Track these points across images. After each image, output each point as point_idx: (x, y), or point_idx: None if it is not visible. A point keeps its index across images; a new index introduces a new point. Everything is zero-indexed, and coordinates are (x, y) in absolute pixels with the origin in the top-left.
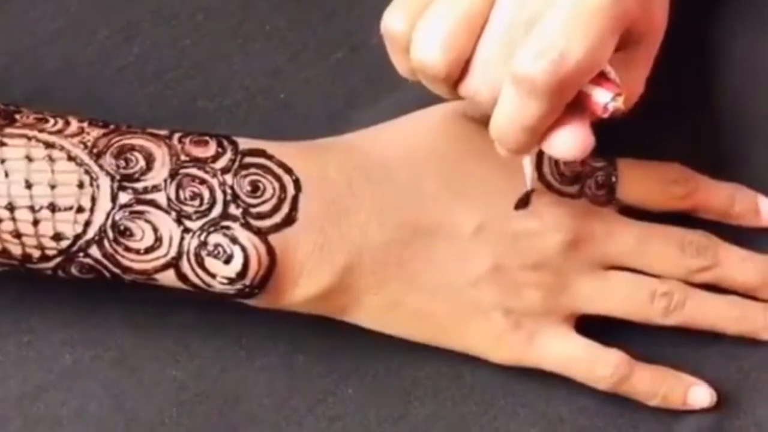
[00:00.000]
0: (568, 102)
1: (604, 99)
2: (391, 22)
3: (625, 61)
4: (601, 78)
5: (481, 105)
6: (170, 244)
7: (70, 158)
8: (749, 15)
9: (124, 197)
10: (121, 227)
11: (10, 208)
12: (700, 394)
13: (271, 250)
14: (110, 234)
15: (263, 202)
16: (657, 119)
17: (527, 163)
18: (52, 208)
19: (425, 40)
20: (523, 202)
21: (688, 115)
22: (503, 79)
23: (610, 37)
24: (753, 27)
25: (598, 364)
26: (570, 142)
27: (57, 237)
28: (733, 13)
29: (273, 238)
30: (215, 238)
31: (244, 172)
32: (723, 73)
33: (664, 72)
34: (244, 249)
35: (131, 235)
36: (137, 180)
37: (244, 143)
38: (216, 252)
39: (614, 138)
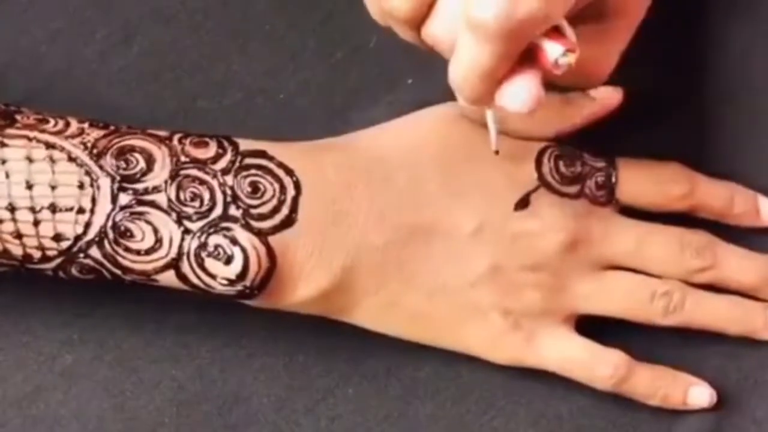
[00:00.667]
0: (520, 51)
1: (555, 53)
2: None
3: (597, 34)
4: (555, 32)
5: (443, 52)
6: (170, 245)
7: (71, 159)
8: (746, 13)
9: (124, 198)
10: (122, 228)
11: (11, 208)
12: (700, 394)
13: (271, 252)
14: (111, 235)
15: (263, 204)
16: (657, 119)
17: (489, 118)
18: (53, 208)
19: None
20: (523, 203)
21: (688, 115)
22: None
23: None
24: (750, 26)
25: (597, 365)
26: (521, 94)
27: (57, 238)
28: (730, 11)
29: (273, 240)
30: (215, 239)
31: (244, 173)
32: (722, 73)
33: (664, 71)
34: (244, 250)
35: (131, 236)
36: (138, 181)
37: (245, 144)
38: (216, 253)
39: (613, 138)
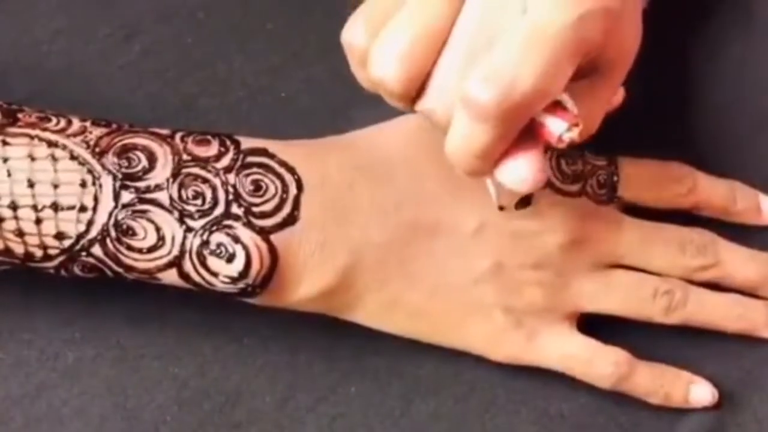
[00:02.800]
0: (519, 129)
1: (559, 129)
2: (351, 35)
3: (587, 89)
4: (556, 107)
5: (438, 124)
6: (173, 244)
7: (73, 157)
8: (747, 14)
9: (126, 196)
10: (124, 226)
11: (13, 207)
12: (702, 392)
13: (273, 250)
14: (113, 233)
15: (265, 202)
16: (658, 118)
17: (489, 183)
18: (55, 207)
19: (383, 56)
20: (525, 202)
21: (689, 113)
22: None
23: (566, 64)
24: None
25: (599, 363)
26: (522, 172)
27: (59, 236)
28: (731, 11)
29: (275, 238)
30: (217, 237)
31: (246, 172)
32: (724, 72)
33: (665, 71)
34: (246, 248)
35: (134, 234)
36: (140, 179)
37: (246, 142)
38: (218, 251)
39: (615, 137)
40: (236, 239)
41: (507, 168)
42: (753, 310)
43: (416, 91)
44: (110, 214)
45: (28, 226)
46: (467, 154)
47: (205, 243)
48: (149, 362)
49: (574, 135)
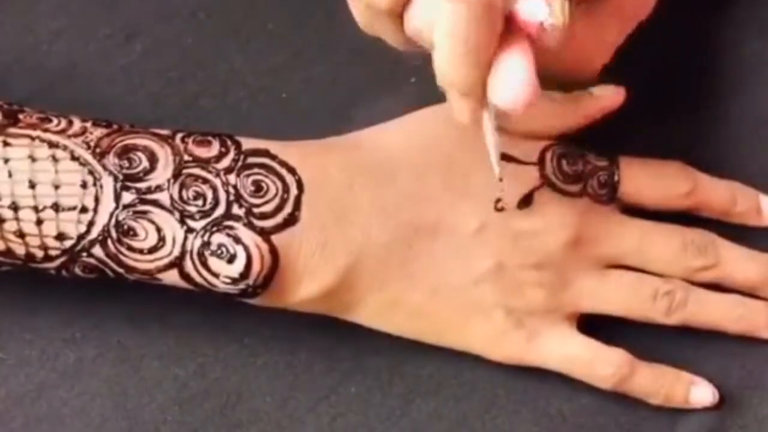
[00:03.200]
0: (500, 16)
1: (537, 13)
2: None
3: (589, 19)
4: None
5: (425, 44)
6: (173, 244)
7: (74, 158)
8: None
9: (127, 197)
10: (125, 227)
11: (14, 207)
12: (702, 393)
13: (273, 250)
14: (114, 234)
15: (266, 202)
16: (659, 118)
17: (486, 121)
18: (56, 207)
19: None
20: (525, 201)
21: (690, 113)
22: None
23: None
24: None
25: (599, 363)
26: (511, 79)
27: (60, 237)
28: (732, 11)
29: (276, 238)
30: (218, 237)
31: (247, 172)
32: (725, 72)
33: (667, 71)
34: (247, 249)
35: (135, 234)
36: (140, 180)
37: (247, 143)
38: (219, 252)
39: (616, 137)
40: (237, 240)
41: (497, 77)
42: (754, 310)
43: (401, 6)
44: (111, 215)
45: (29, 227)
46: (456, 56)
47: (206, 244)
48: (150, 362)
49: (557, 21)
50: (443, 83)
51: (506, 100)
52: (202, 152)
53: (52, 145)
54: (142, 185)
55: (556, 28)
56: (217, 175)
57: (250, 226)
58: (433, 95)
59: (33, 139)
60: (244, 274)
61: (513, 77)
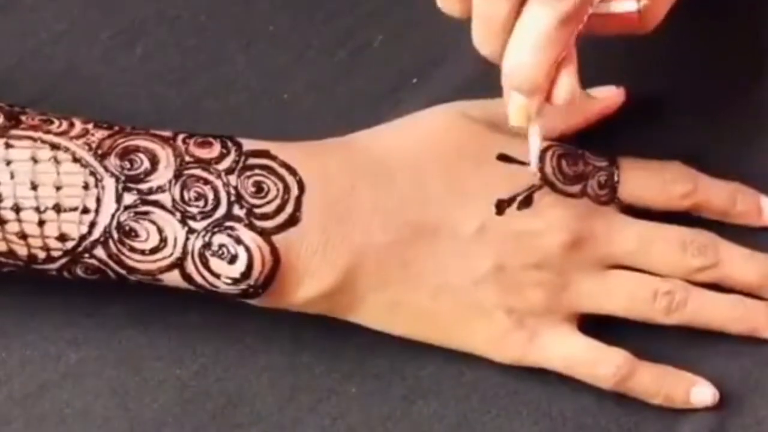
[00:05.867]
0: (581, 19)
1: (633, 5)
2: None
3: None
4: None
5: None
6: (175, 245)
7: (75, 159)
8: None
9: (128, 198)
10: (126, 228)
11: (16, 209)
12: (703, 393)
13: (275, 251)
14: (115, 235)
15: (267, 203)
16: (659, 119)
17: (534, 133)
18: (58, 209)
19: None
20: (525, 202)
21: (690, 114)
22: None
23: None
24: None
25: (600, 363)
26: (572, 82)
27: (62, 238)
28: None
29: (277, 239)
30: (219, 238)
31: (248, 173)
32: (725, 72)
33: (666, 71)
34: (248, 249)
35: (136, 235)
36: (142, 181)
37: (248, 144)
38: (220, 252)
39: (616, 137)
40: (238, 240)
41: (561, 83)
42: (754, 310)
43: None
44: (113, 216)
45: (31, 228)
46: (539, 61)
47: (208, 244)
48: (151, 363)
49: (646, 1)
50: (512, 83)
51: (565, 100)
52: (203, 153)
53: (54, 146)
54: (143, 186)
55: (647, 8)
56: (218, 176)
57: (251, 226)
58: (435, 96)
59: (35, 140)
60: (246, 275)
61: (572, 78)
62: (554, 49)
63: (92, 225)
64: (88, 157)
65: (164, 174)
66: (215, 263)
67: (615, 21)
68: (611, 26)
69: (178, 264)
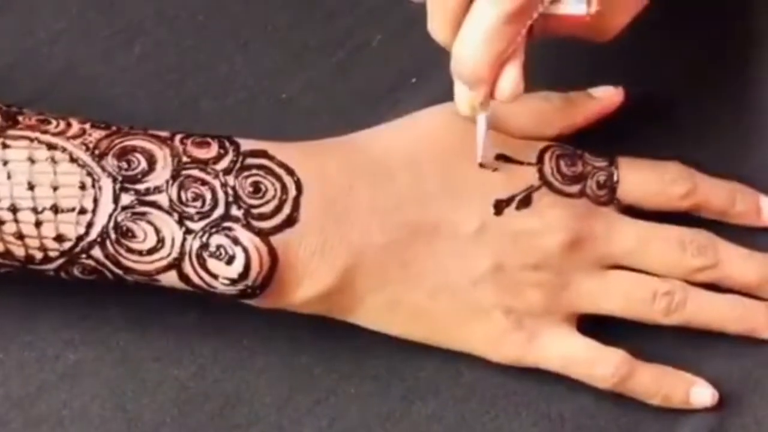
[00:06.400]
0: (531, 13)
1: (581, 9)
2: None
3: None
4: None
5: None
6: (172, 246)
7: (73, 160)
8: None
9: (126, 198)
10: (123, 228)
11: (13, 209)
12: (702, 394)
13: (272, 251)
14: (112, 235)
15: (265, 203)
16: (658, 119)
17: (480, 123)
18: (55, 209)
19: None
20: (524, 202)
21: (689, 114)
22: None
23: None
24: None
25: (599, 364)
26: (516, 79)
27: (59, 238)
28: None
29: (275, 239)
30: (217, 239)
31: (245, 173)
32: (724, 72)
33: (665, 71)
34: (245, 250)
35: (133, 236)
36: (139, 181)
37: (246, 144)
38: (218, 253)
39: (615, 137)
40: (236, 241)
41: (504, 79)
42: (753, 311)
43: None
44: (110, 217)
45: (28, 229)
46: (482, 56)
47: (205, 245)
48: (149, 364)
49: (596, 7)
50: (457, 73)
51: (509, 96)
52: (201, 153)
53: (51, 146)
54: (140, 187)
55: (598, 11)
56: (216, 176)
57: (248, 227)
58: (433, 96)
59: (32, 140)
60: (243, 275)
61: (516, 75)
62: (499, 45)
63: (89, 225)
64: (86, 158)
65: (162, 174)
66: (213, 264)
67: (568, 24)
68: (565, 29)
69: (176, 265)
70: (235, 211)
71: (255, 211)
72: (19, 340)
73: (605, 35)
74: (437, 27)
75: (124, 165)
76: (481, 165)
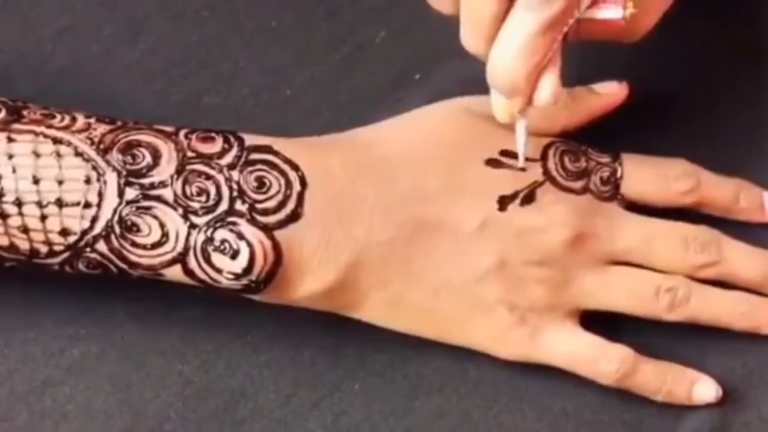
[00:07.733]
0: (567, 23)
1: (618, 14)
2: None
3: None
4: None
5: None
6: (177, 240)
7: (77, 154)
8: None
9: (130, 193)
10: (128, 223)
11: (18, 203)
12: (705, 390)
13: (276, 246)
14: (117, 229)
15: (269, 198)
16: (662, 115)
17: (520, 129)
18: (60, 203)
19: None
20: (528, 198)
21: (693, 111)
22: None
23: None
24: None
25: (602, 360)
26: (554, 87)
27: (64, 232)
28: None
29: (279, 234)
30: (221, 233)
31: (250, 168)
32: (727, 69)
33: (669, 68)
34: (250, 245)
35: (138, 230)
36: (144, 176)
37: (250, 139)
38: (222, 248)
39: (619, 134)
40: (240, 236)
41: (543, 85)
42: (757, 307)
43: None
44: (114, 211)
45: (33, 223)
46: (522, 65)
47: (209, 239)
48: (153, 359)
49: (632, 10)
50: (494, 83)
51: (546, 103)
52: (206, 148)
53: (56, 141)
54: (145, 181)
55: (634, 15)
56: (220, 171)
57: (253, 222)
58: (437, 93)
59: (37, 134)
60: (248, 270)
61: (554, 82)
62: (536, 55)
63: (94, 219)
64: (90, 152)
65: (166, 169)
66: (217, 258)
67: (601, 28)
68: (598, 33)
69: (180, 259)
70: (239, 206)
71: (259, 206)
72: (23, 335)
73: (635, 36)
74: (471, 38)
75: (129, 159)
76: (522, 169)
